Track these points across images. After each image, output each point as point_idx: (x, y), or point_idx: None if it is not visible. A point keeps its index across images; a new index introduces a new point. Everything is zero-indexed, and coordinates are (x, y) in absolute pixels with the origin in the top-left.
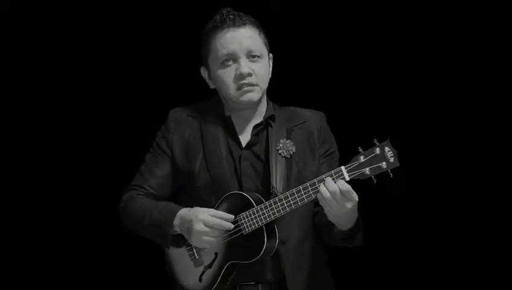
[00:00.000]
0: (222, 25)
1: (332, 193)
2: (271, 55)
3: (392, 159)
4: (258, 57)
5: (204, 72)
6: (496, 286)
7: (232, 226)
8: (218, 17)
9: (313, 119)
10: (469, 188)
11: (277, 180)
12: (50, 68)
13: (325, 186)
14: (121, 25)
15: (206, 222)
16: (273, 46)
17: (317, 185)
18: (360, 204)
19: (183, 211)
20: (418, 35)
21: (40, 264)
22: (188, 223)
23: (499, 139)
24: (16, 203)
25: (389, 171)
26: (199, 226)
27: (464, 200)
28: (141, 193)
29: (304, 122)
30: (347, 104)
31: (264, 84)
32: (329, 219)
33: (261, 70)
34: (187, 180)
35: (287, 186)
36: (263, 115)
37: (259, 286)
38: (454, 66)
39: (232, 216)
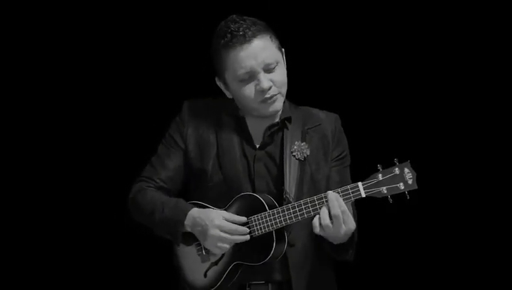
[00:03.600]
0: (234, 43)
1: (334, 217)
2: (283, 50)
3: (410, 181)
4: (275, 65)
5: (219, 83)
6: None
7: (248, 231)
8: (227, 33)
9: (327, 121)
10: (476, 197)
11: (290, 184)
12: (54, 67)
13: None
14: (130, 20)
15: (222, 227)
16: (289, 45)
17: None
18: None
19: (195, 212)
20: (436, 39)
21: (50, 256)
22: (202, 227)
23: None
24: (21, 196)
25: (406, 192)
26: (215, 232)
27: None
28: (151, 185)
29: (319, 124)
30: (361, 105)
31: (285, 88)
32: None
33: (280, 77)
34: (199, 178)
35: (300, 190)
36: (278, 114)
37: (269, 285)
38: (470, 72)
39: (245, 218)
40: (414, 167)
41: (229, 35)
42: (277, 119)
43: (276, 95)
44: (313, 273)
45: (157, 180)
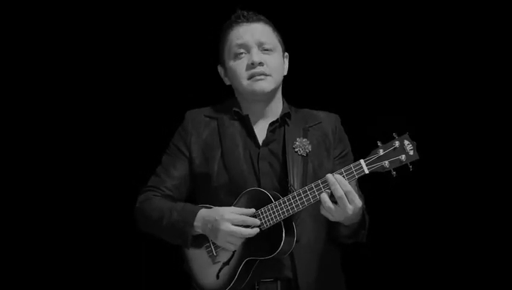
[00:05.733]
0: (236, 20)
1: (339, 199)
2: (286, 54)
3: (411, 152)
4: (271, 50)
5: (220, 70)
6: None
7: (258, 222)
8: (234, 15)
9: (327, 120)
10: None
11: (294, 178)
12: (53, 69)
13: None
14: (135, 26)
15: (233, 220)
16: (288, 48)
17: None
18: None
19: (204, 212)
20: (430, 35)
21: (61, 265)
22: (212, 224)
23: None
24: (31, 201)
25: (409, 164)
26: (225, 226)
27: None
28: (158, 194)
29: (320, 122)
30: (360, 105)
31: (278, 75)
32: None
33: (274, 61)
34: (205, 180)
35: (303, 185)
36: (279, 113)
37: (278, 282)
38: (469, 67)
39: (253, 210)
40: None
41: (234, 17)
42: (277, 117)
43: (266, 75)
44: (319, 268)
45: (164, 189)
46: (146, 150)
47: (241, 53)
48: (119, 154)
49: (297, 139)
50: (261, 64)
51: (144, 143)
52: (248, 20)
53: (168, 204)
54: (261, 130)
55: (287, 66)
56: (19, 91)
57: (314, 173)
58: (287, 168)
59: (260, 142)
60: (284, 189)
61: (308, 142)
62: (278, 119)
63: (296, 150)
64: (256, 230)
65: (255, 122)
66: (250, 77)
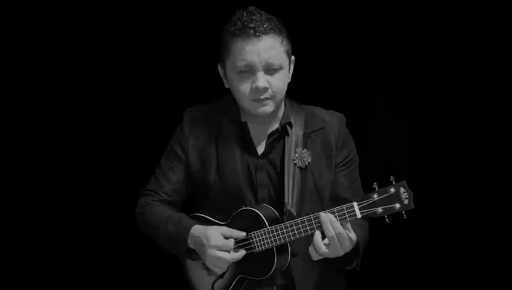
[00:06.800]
0: (241, 33)
1: (330, 239)
2: (293, 58)
3: (406, 201)
4: (277, 68)
5: (221, 71)
6: None
7: (244, 252)
8: (239, 21)
9: (331, 124)
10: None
11: (291, 195)
12: (52, 69)
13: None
14: (132, 23)
15: (219, 247)
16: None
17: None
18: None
19: (196, 230)
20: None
21: (61, 265)
22: (201, 247)
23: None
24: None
25: (403, 212)
26: (211, 252)
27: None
28: (156, 199)
29: (322, 128)
30: (362, 106)
31: (281, 94)
32: None
33: (279, 82)
34: (202, 187)
35: (302, 198)
36: (279, 119)
37: (274, 288)
38: (476, 75)
39: (244, 233)
40: (410, 186)
41: (239, 24)
42: (277, 126)
43: (269, 99)
44: (317, 277)
45: (162, 194)
46: (146, 149)
47: (246, 71)
48: (119, 154)
49: (297, 150)
50: (265, 90)
51: (143, 143)
52: (255, 33)
53: (165, 213)
54: (260, 138)
55: (292, 72)
56: (18, 91)
57: (314, 185)
58: (284, 184)
59: (259, 151)
60: (281, 201)
61: (308, 153)
62: (277, 129)
63: (294, 162)
64: (242, 253)
65: (255, 129)
66: (253, 100)
